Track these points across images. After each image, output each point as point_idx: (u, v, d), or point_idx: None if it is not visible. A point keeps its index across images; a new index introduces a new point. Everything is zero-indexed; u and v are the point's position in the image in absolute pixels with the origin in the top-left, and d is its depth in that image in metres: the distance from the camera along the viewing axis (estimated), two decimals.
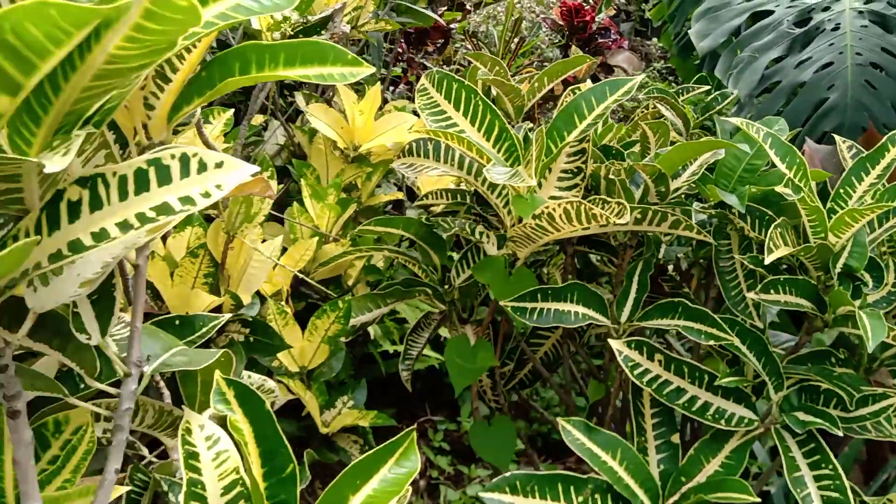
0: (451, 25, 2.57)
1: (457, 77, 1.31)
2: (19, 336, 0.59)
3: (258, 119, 1.75)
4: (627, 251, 1.29)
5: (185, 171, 0.50)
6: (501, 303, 1.16)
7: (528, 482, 1.03)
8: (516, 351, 1.55)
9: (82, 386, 0.75)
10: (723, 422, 1.08)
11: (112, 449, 0.67)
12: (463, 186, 1.56)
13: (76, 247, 0.49)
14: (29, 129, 0.49)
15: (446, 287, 1.37)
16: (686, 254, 1.37)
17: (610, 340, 1.13)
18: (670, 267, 1.50)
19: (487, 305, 1.74)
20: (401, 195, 1.72)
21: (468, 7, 3.23)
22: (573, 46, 3.07)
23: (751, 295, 1.06)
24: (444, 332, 1.78)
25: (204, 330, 0.92)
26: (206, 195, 0.49)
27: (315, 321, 1.23)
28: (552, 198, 1.30)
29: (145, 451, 0.96)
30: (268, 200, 1.11)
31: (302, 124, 1.89)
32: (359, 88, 1.89)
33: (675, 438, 1.12)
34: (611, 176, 1.20)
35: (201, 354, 0.79)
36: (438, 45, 2.56)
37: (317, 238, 1.41)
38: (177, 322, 0.93)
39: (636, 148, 1.41)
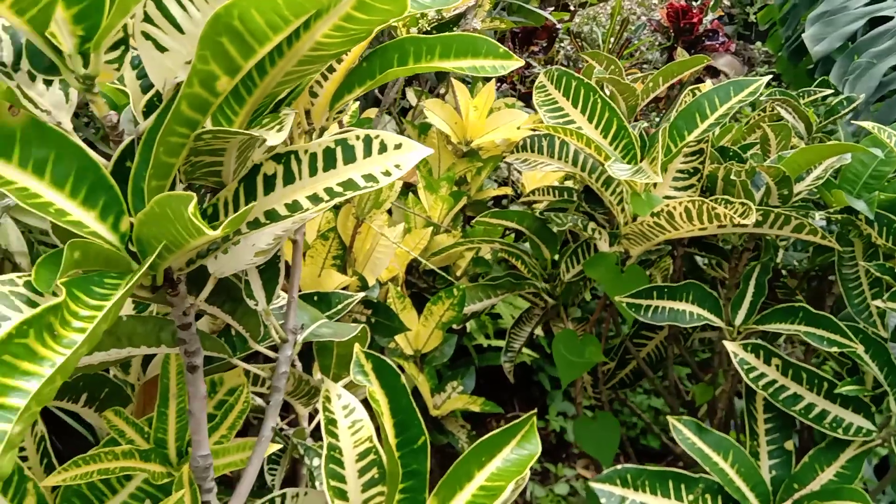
0: (558, 25, 2.59)
1: (576, 75, 1.33)
2: (200, 299, 0.65)
3: (370, 112, 1.82)
4: (744, 254, 1.29)
5: (367, 151, 0.55)
6: (616, 299, 1.17)
7: (639, 476, 1.04)
8: (618, 350, 1.56)
9: (236, 352, 0.82)
10: (840, 430, 1.06)
11: (269, 408, 0.73)
12: (569, 184, 1.57)
13: (273, 216, 0.54)
14: (233, 108, 0.54)
15: (554, 282, 1.40)
16: (801, 261, 1.35)
17: (725, 343, 1.13)
18: (784, 272, 1.48)
19: (587, 305, 1.76)
20: (509, 190, 1.75)
21: (572, 8, 3.23)
22: (679, 49, 3.03)
23: (877, 303, 1.05)
24: (537, 330, 1.81)
25: (340, 306, 0.98)
26: (387, 173, 0.53)
27: (431, 307, 1.28)
28: (666, 197, 1.30)
29: (277, 419, 1.02)
30: (396, 189, 1.16)
31: (413, 119, 1.94)
32: (467, 86, 1.93)
33: (789, 445, 1.11)
34: (731, 177, 1.19)
35: (344, 328, 0.84)
36: (544, 46, 2.57)
37: (430, 228, 1.46)
38: (315, 298, 0.98)
39: (756, 150, 1.40)
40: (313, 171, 0.55)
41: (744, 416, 1.14)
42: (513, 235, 1.67)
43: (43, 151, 0.51)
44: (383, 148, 0.55)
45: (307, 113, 0.78)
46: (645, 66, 3.49)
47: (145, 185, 0.50)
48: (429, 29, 1.10)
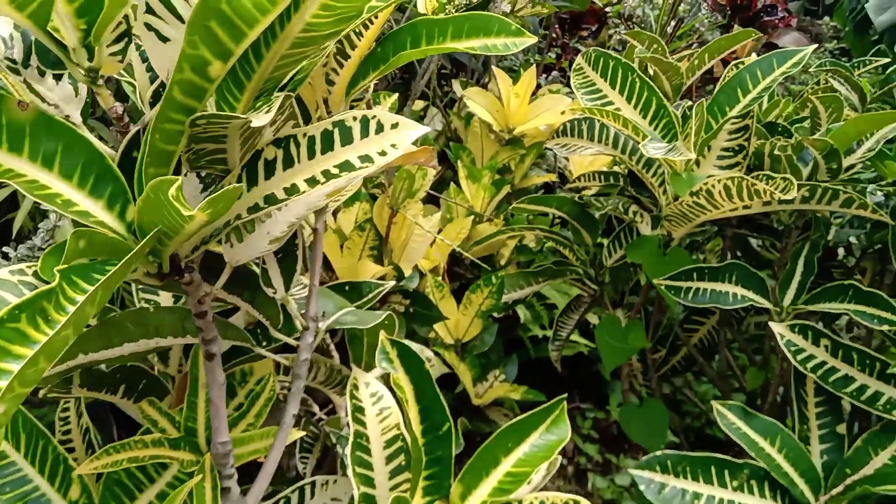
0: (607, 9, 2.54)
1: (613, 54, 1.30)
2: (217, 287, 0.66)
3: (418, 105, 1.82)
4: (792, 233, 1.24)
5: (364, 132, 0.54)
6: (655, 281, 1.14)
7: (680, 462, 1.01)
8: (669, 337, 1.52)
9: (264, 343, 0.83)
10: (895, 412, 1.01)
11: (290, 396, 0.74)
12: (616, 169, 1.54)
13: (271, 200, 0.54)
14: (234, 94, 0.55)
15: (597, 268, 1.37)
16: (860, 238, 1.29)
17: (771, 324, 1.09)
18: (840, 251, 1.42)
19: (639, 292, 1.72)
20: (553, 177, 1.72)
21: None
22: (735, 26, 2.93)
23: None
24: (593, 318, 1.78)
25: (370, 295, 0.98)
26: (383, 153, 0.53)
27: (470, 295, 1.27)
28: (710, 177, 1.26)
29: (316, 409, 1.04)
30: (429, 177, 1.16)
31: (459, 111, 1.94)
32: (512, 75, 1.91)
33: (841, 429, 1.06)
34: (776, 152, 1.15)
35: (369, 315, 0.84)
36: (593, 30, 2.53)
37: (471, 217, 1.45)
38: (346, 287, 0.99)
39: (805, 124, 1.34)
40: (311, 154, 0.55)
41: (794, 401, 1.09)
42: (560, 223, 1.65)
43: (51, 144, 0.53)
44: (380, 128, 0.54)
45: (326, 102, 0.78)
46: (703, 46, 3.38)
47: (145, 173, 0.51)
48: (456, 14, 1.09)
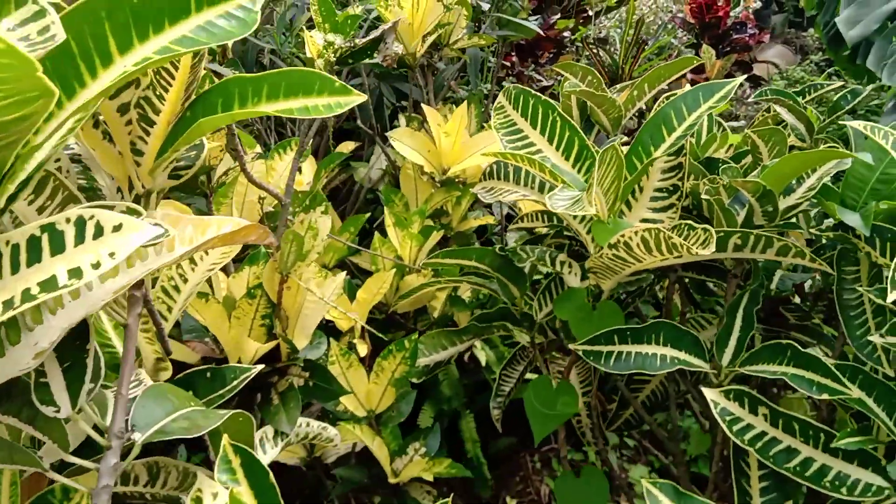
0: (564, 34, 2.44)
1: (533, 92, 1.19)
2: None
3: (349, 146, 1.72)
4: (732, 281, 1.12)
5: (79, 237, 0.43)
6: (571, 346, 1.02)
7: None
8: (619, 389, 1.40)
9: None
10: (844, 490, 0.88)
11: None
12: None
13: None
14: None
15: (529, 323, 1.25)
16: (812, 281, 1.17)
17: (704, 389, 0.97)
18: (796, 295, 1.30)
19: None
20: (491, 219, 1.61)
21: (590, 13, 3.07)
22: (704, 45, 2.83)
23: (875, 338, 0.87)
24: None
25: (235, 382, 0.87)
26: (97, 265, 0.42)
27: (381, 362, 1.16)
28: (645, 220, 1.15)
29: None
30: (321, 237, 1.05)
31: None
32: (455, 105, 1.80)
33: None
34: (704, 196, 1.04)
35: (208, 418, 0.72)
36: (550, 57, 2.43)
37: (392, 271, 1.34)
38: (208, 375, 0.88)
39: (748, 160, 1.23)
40: (15, 268, 0.44)
41: (734, 474, 0.97)
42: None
43: None
44: (99, 231, 0.43)
45: (131, 179, 0.68)
46: None
47: None
48: (337, 59, 0.98)
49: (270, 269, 1.06)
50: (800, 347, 0.93)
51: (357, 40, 0.98)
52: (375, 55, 1.04)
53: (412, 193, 1.60)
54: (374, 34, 0.98)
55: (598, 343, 1.00)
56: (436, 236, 1.45)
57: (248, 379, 0.87)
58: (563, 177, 1.08)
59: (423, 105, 1.54)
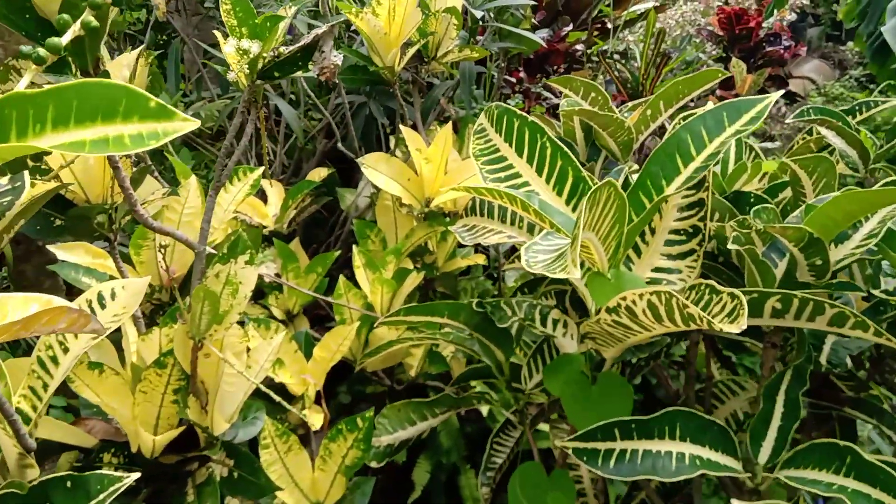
0: (577, 47, 2.22)
1: (519, 113, 0.97)
2: None
3: (320, 173, 1.51)
4: (769, 351, 0.88)
5: None
6: (558, 443, 0.79)
7: None
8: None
9: None
10: None
11: None
12: None
13: None
14: None
15: (516, 393, 1.02)
16: (868, 351, 0.93)
17: (735, 502, 0.73)
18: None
19: None
20: (482, 259, 1.38)
21: (608, 25, 2.85)
22: (733, 59, 2.59)
23: None
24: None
25: (102, 496, 0.65)
26: None
27: (328, 444, 0.93)
28: (658, 269, 0.92)
29: None
30: (242, 295, 0.83)
31: None
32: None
33: None
34: (732, 245, 0.80)
35: None
36: (560, 72, 2.21)
37: (355, 325, 1.12)
38: (68, 484, 0.67)
39: (786, 194, 0.99)
40: None
41: None
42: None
43: None
44: None
45: None
46: None
47: None
48: (258, 72, 0.77)
49: (182, 333, 0.85)
50: (863, 453, 0.69)
51: (282, 49, 0.77)
52: (311, 66, 0.83)
53: (390, 228, 1.38)
54: (305, 40, 0.76)
55: (595, 438, 0.77)
56: (413, 280, 1.23)
57: (120, 491, 0.65)
58: (552, 218, 0.85)
59: (401, 126, 1.33)
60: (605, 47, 2.70)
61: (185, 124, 0.40)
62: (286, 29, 0.77)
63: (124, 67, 0.85)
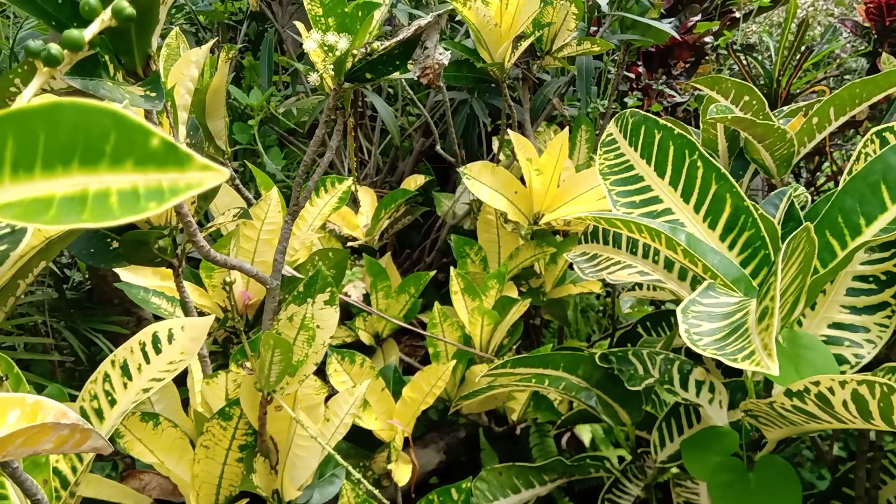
0: (705, 39, 1.98)
1: (660, 122, 0.79)
2: None
3: (417, 181, 1.36)
4: None
5: None
6: None
7: None
8: None
9: None
10: None
11: None
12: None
13: None
14: None
15: (641, 464, 0.84)
16: None
17: None
18: None
19: None
20: (598, 287, 1.20)
21: (737, 14, 2.58)
22: (883, 55, 2.28)
23: None
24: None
25: None
26: None
27: None
28: (834, 325, 0.73)
29: None
30: (321, 342, 0.68)
31: None
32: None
33: None
34: None
35: None
36: (687, 67, 1.98)
37: (452, 363, 0.96)
38: None
39: None
40: None
41: None
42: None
43: None
44: None
45: None
46: (847, 78, 2.76)
47: None
48: (347, 74, 0.62)
49: (248, 384, 0.71)
50: None
51: (376, 44, 0.62)
52: (410, 66, 0.67)
53: (493, 246, 1.22)
54: (404, 34, 0.60)
55: None
56: (518, 310, 1.06)
57: None
58: (704, 259, 0.67)
59: (509, 131, 1.16)
60: (731, 39, 2.45)
61: (204, 175, 0.25)
62: (383, 19, 0.62)
63: (192, 65, 0.72)
